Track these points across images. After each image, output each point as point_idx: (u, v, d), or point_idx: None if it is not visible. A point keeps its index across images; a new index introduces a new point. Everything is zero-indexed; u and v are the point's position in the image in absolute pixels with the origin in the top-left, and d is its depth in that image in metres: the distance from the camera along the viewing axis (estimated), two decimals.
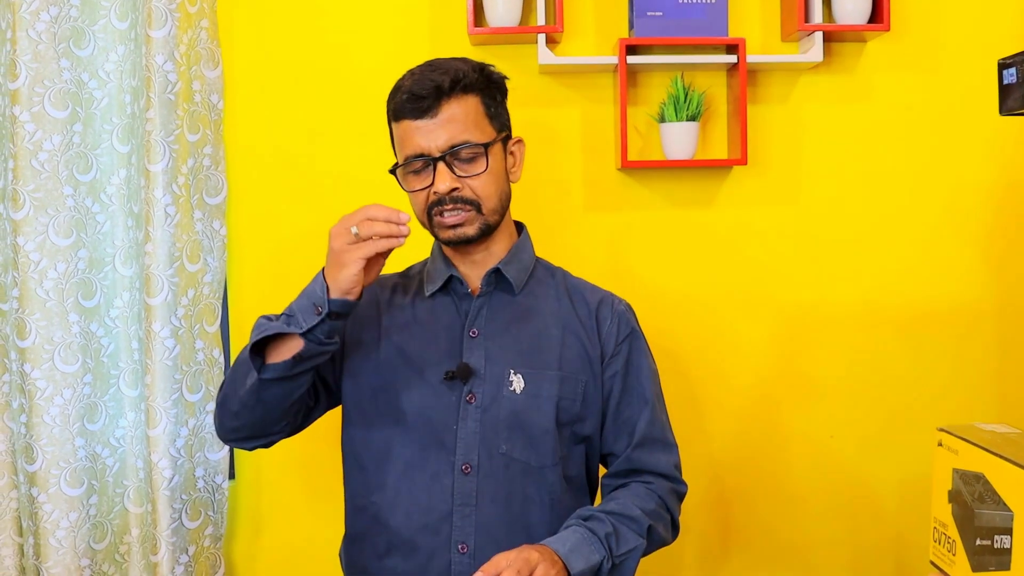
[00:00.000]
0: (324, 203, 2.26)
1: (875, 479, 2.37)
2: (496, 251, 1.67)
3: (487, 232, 1.61)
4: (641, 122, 2.30)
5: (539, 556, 1.43)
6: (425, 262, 1.74)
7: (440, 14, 2.26)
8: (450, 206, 1.57)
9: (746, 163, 2.23)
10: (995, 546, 1.19)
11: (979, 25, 2.33)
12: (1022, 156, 2.35)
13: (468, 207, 1.57)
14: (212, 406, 2.18)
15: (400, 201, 1.61)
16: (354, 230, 1.43)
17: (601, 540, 1.51)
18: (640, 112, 2.30)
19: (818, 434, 2.36)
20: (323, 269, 1.48)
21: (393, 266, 1.77)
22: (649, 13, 2.21)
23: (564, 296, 1.71)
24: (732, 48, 2.23)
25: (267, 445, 1.65)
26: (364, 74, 2.23)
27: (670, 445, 1.71)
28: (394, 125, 1.61)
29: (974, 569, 1.23)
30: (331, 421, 1.74)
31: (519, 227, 1.74)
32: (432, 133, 1.55)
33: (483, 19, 2.23)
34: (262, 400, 1.53)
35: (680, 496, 1.71)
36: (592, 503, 1.71)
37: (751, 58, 2.22)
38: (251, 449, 1.67)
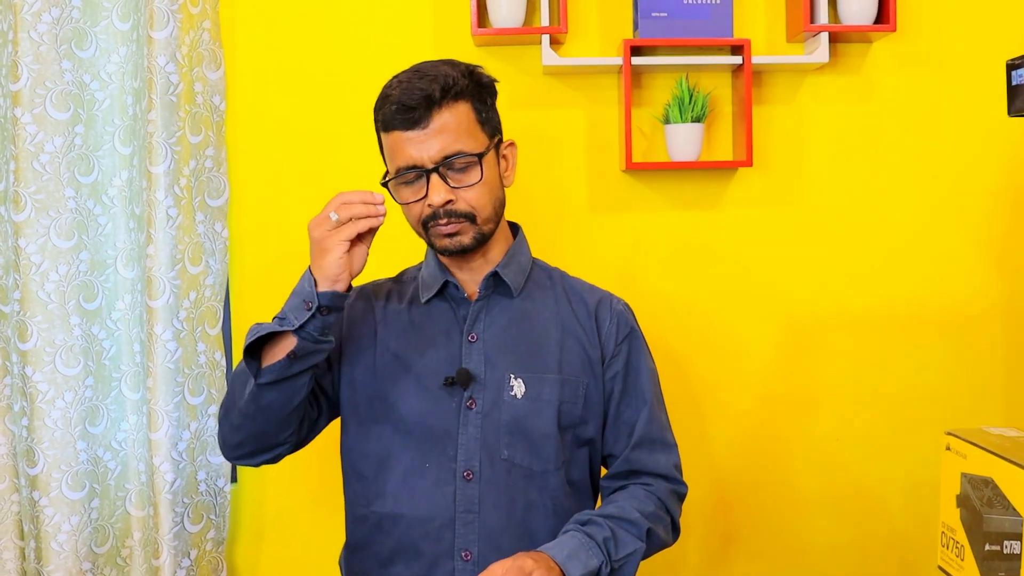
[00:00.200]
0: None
1: (880, 482, 2.36)
2: (492, 255, 1.65)
3: (483, 241, 1.59)
4: (646, 123, 2.29)
5: (534, 563, 1.42)
6: (419, 267, 1.72)
7: (443, 15, 2.26)
8: (444, 220, 1.54)
9: (751, 164, 2.22)
10: (1004, 551, 1.18)
11: (986, 26, 2.32)
12: None
13: (462, 220, 1.55)
14: (214, 408, 2.18)
15: (397, 207, 1.60)
16: (333, 216, 1.44)
17: (599, 545, 1.49)
18: (644, 113, 2.29)
19: (824, 436, 2.35)
20: (309, 266, 1.48)
21: (388, 271, 1.76)
22: (654, 14, 2.21)
23: (562, 297, 1.69)
24: (737, 49, 2.23)
25: (274, 460, 1.63)
26: (367, 76, 2.21)
27: (669, 445, 1.69)
28: (383, 135, 1.57)
29: (983, 574, 1.22)
30: (333, 423, 1.73)
31: (514, 228, 1.72)
32: (424, 144, 1.52)
33: (487, 20, 2.22)
34: (262, 408, 1.51)
35: (680, 497, 1.69)
36: (595, 507, 1.70)
37: (756, 59, 2.21)
38: (257, 465, 1.64)
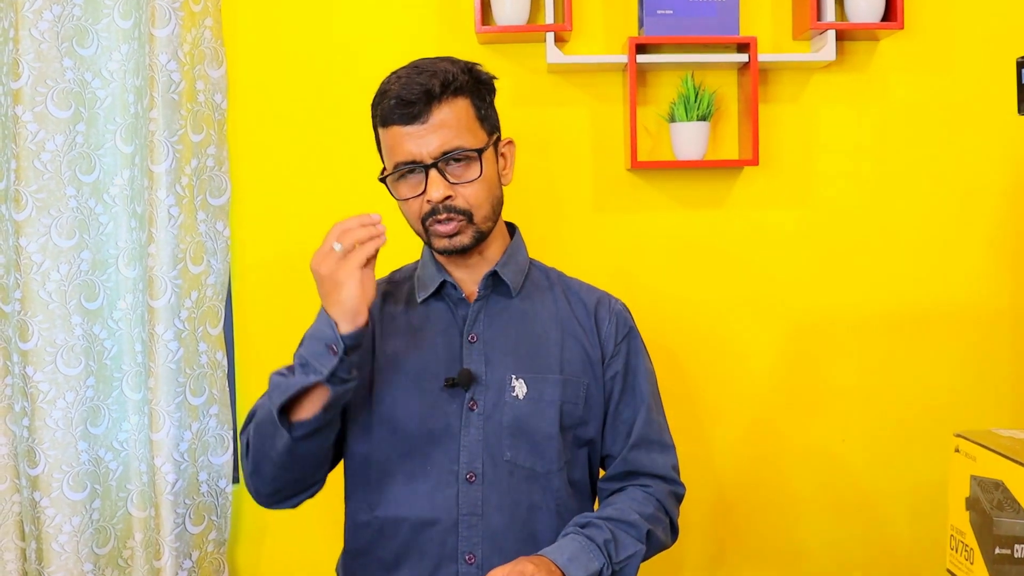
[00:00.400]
0: (329, 204, 2.24)
1: (888, 484, 2.34)
2: (490, 254, 1.64)
3: (481, 240, 1.58)
4: (651, 122, 2.28)
5: (535, 568, 1.41)
6: (414, 266, 1.71)
7: (447, 13, 2.25)
8: (443, 216, 1.53)
9: (757, 163, 2.21)
10: (1015, 555, 1.18)
11: (995, 23, 2.31)
12: None
13: (460, 217, 1.54)
14: (216, 409, 2.17)
15: (393, 206, 1.59)
16: (336, 247, 1.38)
17: (600, 547, 1.49)
18: (650, 112, 2.28)
19: (830, 437, 2.34)
20: (322, 308, 1.43)
21: (384, 271, 1.75)
22: (659, 11, 2.20)
23: (561, 298, 1.68)
24: (743, 47, 2.21)
25: (313, 495, 1.60)
26: (370, 74, 2.18)
27: (667, 446, 1.68)
28: (382, 131, 1.56)
29: None
30: None
31: (511, 228, 1.71)
32: (423, 139, 1.50)
33: (491, 18, 2.21)
34: (299, 457, 1.49)
35: (679, 498, 1.68)
36: (594, 508, 1.69)
37: (762, 57, 2.20)
38: (296, 506, 1.60)
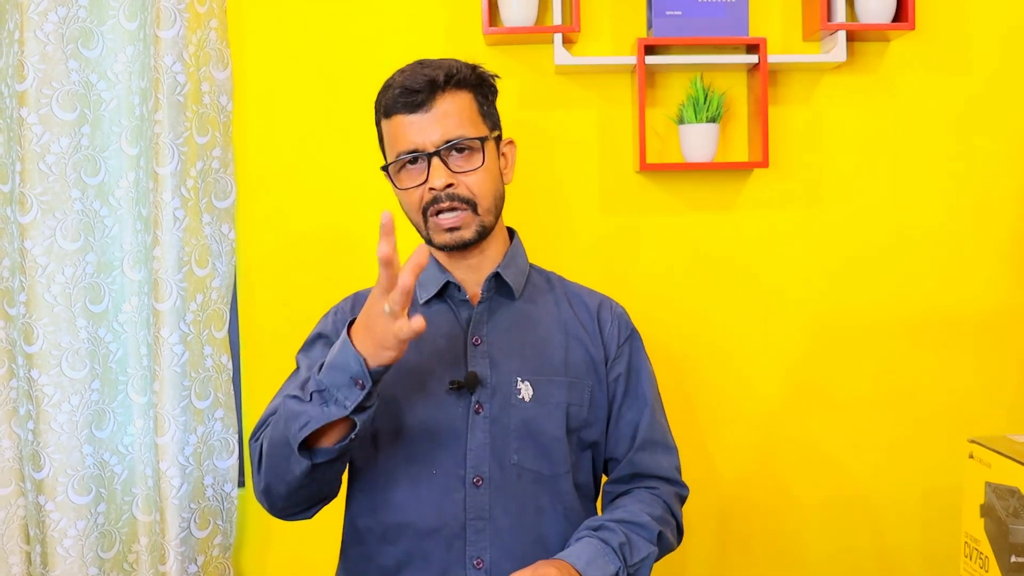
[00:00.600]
0: (334, 207, 2.24)
1: (900, 490, 2.33)
2: (490, 255, 1.63)
3: (483, 235, 1.57)
4: (660, 124, 2.27)
5: (557, 571, 1.39)
6: None
7: (454, 14, 2.24)
8: (446, 204, 1.52)
9: (767, 166, 2.19)
10: None
11: (1008, 23, 2.29)
12: None
13: (464, 206, 1.53)
14: (221, 413, 2.17)
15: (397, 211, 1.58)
16: (387, 309, 1.30)
17: (615, 550, 1.48)
18: (658, 113, 2.27)
19: (842, 442, 2.32)
20: (348, 332, 1.35)
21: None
22: (668, 12, 2.18)
23: (563, 300, 1.68)
24: (753, 48, 2.20)
25: (328, 502, 1.56)
26: (376, 76, 2.17)
27: (670, 448, 1.68)
28: (384, 122, 1.57)
29: None
30: None
31: (510, 232, 1.70)
32: (426, 128, 1.51)
33: (498, 19, 2.20)
34: (317, 479, 1.45)
35: (682, 500, 1.68)
36: (597, 512, 1.68)
37: (772, 58, 2.19)
38: (312, 516, 1.57)
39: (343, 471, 1.52)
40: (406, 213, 1.59)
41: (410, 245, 1.67)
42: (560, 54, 2.17)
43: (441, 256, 1.63)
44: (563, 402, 1.58)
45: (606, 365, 1.65)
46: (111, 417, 2.17)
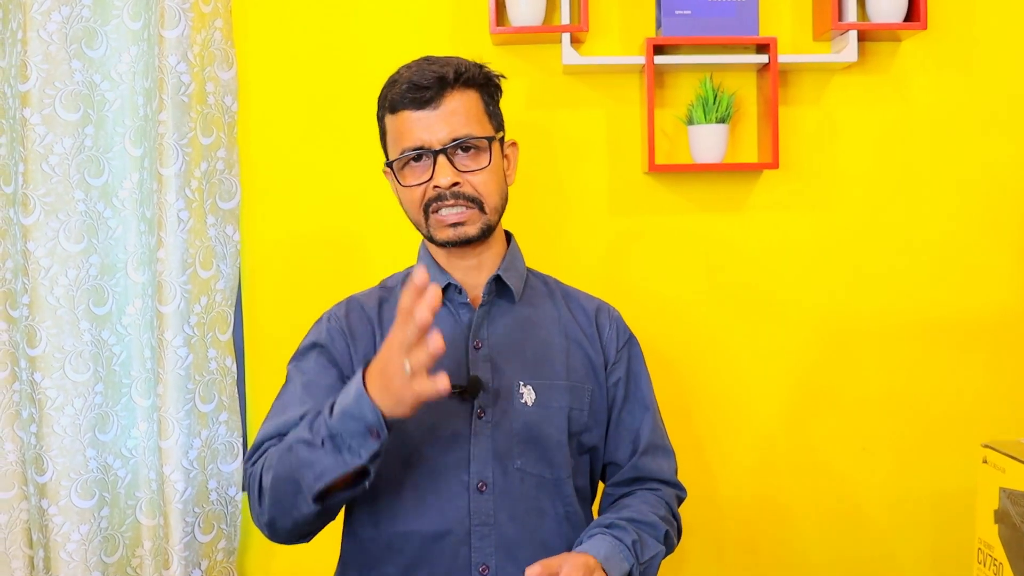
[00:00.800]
0: (340, 208, 2.22)
1: (911, 494, 2.31)
2: (489, 258, 1.62)
3: (487, 233, 1.56)
4: (669, 124, 2.25)
5: (596, 564, 1.40)
6: (407, 272, 1.68)
7: (461, 13, 2.22)
8: (451, 201, 1.51)
9: (777, 167, 2.18)
10: None
11: (1020, 24, 2.27)
12: None
13: (470, 204, 1.52)
14: (225, 416, 2.15)
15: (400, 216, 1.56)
16: (407, 369, 1.28)
17: (629, 548, 1.48)
18: (667, 114, 2.25)
19: (852, 446, 2.30)
20: (363, 378, 1.33)
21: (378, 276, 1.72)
22: (677, 12, 2.17)
23: (562, 304, 1.67)
24: (763, 48, 2.18)
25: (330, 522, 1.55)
26: (382, 76, 2.17)
27: (669, 451, 1.70)
28: (390, 118, 1.56)
29: None
30: None
31: (507, 236, 1.69)
32: (433, 125, 1.51)
33: (505, 18, 2.18)
34: (324, 514, 1.43)
35: (681, 501, 1.69)
36: (594, 515, 1.68)
37: (782, 58, 2.17)
38: (311, 539, 1.54)
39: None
40: (406, 210, 1.58)
41: (408, 245, 1.66)
42: (568, 54, 2.15)
43: (440, 257, 1.61)
44: (565, 406, 1.58)
45: (605, 369, 1.65)
46: (114, 420, 2.15)
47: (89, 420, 2.11)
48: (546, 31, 2.15)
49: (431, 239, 1.58)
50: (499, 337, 1.59)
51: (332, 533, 2.20)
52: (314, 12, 2.22)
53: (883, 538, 2.32)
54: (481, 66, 1.57)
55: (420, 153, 1.52)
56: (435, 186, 1.51)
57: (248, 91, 2.20)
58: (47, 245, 2.06)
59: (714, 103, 2.17)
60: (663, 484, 1.65)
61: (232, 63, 2.13)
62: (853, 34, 2.17)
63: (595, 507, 1.70)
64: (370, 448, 1.32)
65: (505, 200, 1.60)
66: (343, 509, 1.63)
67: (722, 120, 2.17)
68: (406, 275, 1.68)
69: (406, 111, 1.52)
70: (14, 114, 2.06)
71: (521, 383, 1.57)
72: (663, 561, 1.59)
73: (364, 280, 1.75)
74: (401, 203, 1.59)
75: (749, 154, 2.27)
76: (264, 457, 1.48)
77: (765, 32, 2.23)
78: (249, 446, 2.19)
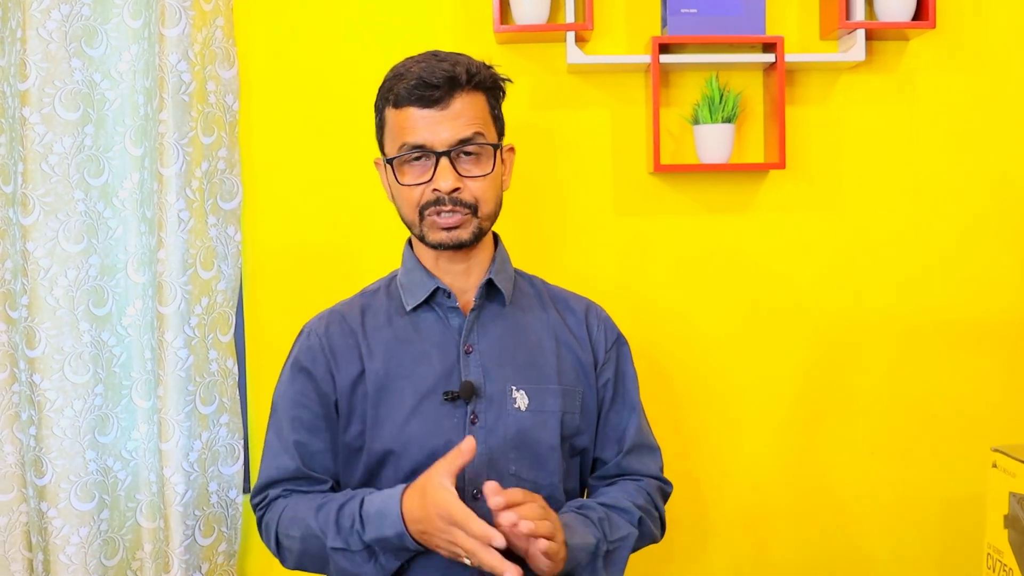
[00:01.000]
0: (343, 209, 2.21)
1: (919, 498, 2.29)
2: (479, 261, 1.60)
3: (479, 238, 1.55)
4: (674, 124, 2.23)
5: (558, 520, 1.42)
6: (390, 277, 1.66)
7: (465, 12, 2.21)
8: (449, 207, 1.50)
9: (784, 167, 2.16)
10: None
11: None
12: None
13: (465, 210, 1.50)
14: (226, 418, 2.14)
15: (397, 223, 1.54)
16: (467, 562, 1.38)
17: (595, 523, 1.49)
18: (673, 113, 2.23)
19: (859, 450, 2.29)
20: (402, 499, 1.42)
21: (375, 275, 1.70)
22: (683, 10, 2.15)
23: (550, 306, 1.66)
24: (769, 47, 2.17)
25: None
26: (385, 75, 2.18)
27: (655, 449, 1.71)
28: (392, 111, 1.52)
29: None
30: None
31: (494, 238, 1.67)
32: (439, 126, 1.48)
33: (509, 17, 2.16)
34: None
35: (666, 496, 1.71)
36: None
37: (789, 57, 2.16)
38: None
39: None
40: (398, 207, 1.56)
41: (399, 244, 1.63)
42: (573, 53, 2.14)
43: (428, 260, 1.59)
44: (558, 410, 1.57)
45: (595, 370, 1.64)
46: (114, 422, 2.14)
47: (89, 422, 2.09)
48: (550, 29, 2.13)
49: (422, 239, 1.55)
50: (489, 341, 1.57)
51: None
52: (316, 10, 2.20)
53: (891, 543, 2.30)
54: (491, 68, 1.55)
55: (422, 153, 1.50)
56: (435, 189, 1.49)
57: (249, 90, 2.18)
58: (46, 245, 2.05)
59: (720, 103, 2.15)
60: (646, 478, 1.66)
61: (233, 62, 2.12)
62: (861, 33, 2.15)
63: None
64: (399, 558, 1.46)
65: (499, 206, 1.58)
66: None
67: (728, 120, 2.15)
68: (390, 280, 1.65)
69: (411, 108, 1.49)
70: (13, 113, 2.04)
71: (513, 387, 1.55)
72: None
73: (365, 280, 1.74)
74: (393, 199, 1.57)
75: (755, 154, 2.25)
76: (276, 516, 1.57)
77: (772, 31, 2.22)
78: (248, 448, 2.18)
